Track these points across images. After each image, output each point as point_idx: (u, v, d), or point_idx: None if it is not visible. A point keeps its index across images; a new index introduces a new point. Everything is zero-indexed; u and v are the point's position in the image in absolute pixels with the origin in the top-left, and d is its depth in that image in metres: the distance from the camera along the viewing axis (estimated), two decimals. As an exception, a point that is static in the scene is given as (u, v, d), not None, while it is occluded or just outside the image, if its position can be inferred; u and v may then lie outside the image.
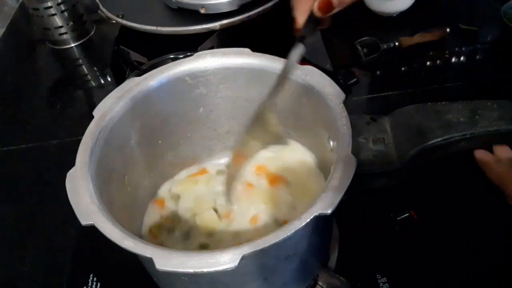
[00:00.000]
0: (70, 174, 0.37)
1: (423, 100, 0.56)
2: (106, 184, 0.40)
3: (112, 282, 0.49)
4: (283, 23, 0.81)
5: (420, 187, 0.54)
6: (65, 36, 0.85)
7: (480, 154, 0.49)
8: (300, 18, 0.41)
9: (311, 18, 0.40)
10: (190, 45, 0.71)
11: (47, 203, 0.59)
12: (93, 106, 0.42)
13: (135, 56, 0.73)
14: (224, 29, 0.71)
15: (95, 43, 0.88)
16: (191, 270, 0.30)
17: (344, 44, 0.78)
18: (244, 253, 0.30)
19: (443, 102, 0.53)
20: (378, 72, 0.73)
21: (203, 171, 0.53)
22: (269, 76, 0.45)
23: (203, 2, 0.71)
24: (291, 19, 0.42)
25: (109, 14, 0.77)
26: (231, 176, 0.48)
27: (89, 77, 0.83)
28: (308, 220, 0.32)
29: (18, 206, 0.61)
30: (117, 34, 0.85)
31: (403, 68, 0.73)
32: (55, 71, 0.86)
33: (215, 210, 0.47)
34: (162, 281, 0.42)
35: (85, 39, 0.88)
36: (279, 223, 0.45)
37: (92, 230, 0.33)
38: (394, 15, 0.80)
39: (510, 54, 0.72)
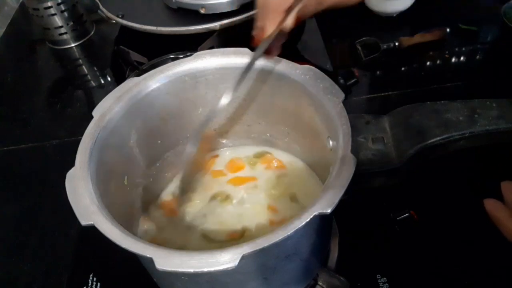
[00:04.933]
0: (70, 174, 0.37)
1: (423, 100, 0.56)
2: (105, 184, 0.40)
3: (112, 282, 0.49)
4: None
5: (420, 187, 0.54)
6: (65, 36, 0.86)
7: (491, 207, 0.41)
8: (270, 28, 0.43)
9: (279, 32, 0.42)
10: (190, 45, 0.71)
11: (47, 203, 0.59)
12: (93, 106, 0.42)
13: (135, 56, 0.73)
14: (224, 29, 0.71)
15: (95, 43, 0.88)
16: (191, 270, 0.30)
17: (344, 44, 0.78)
18: (244, 253, 0.30)
19: (442, 101, 0.54)
20: (378, 72, 0.73)
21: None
22: (268, 75, 0.45)
23: (203, 2, 0.71)
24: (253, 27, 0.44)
25: (109, 14, 0.77)
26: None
27: (89, 77, 0.83)
28: (308, 219, 0.32)
29: (18, 206, 0.61)
30: (117, 34, 0.85)
31: (403, 68, 0.73)
32: (55, 71, 0.86)
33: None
34: (162, 281, 0.42)
35: (85, 39, 0.88)
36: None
37: (92, 230, 0.33)
38: (394, 15, 0.80)
39: (510, 54, 0.72)
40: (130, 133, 0.45)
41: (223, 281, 0.37)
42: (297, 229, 0.31)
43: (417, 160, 0.50)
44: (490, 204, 0.41)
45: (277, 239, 0.31)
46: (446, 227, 0.50)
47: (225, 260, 0.30)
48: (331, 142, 0.41)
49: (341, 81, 0.68)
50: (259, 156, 0.54)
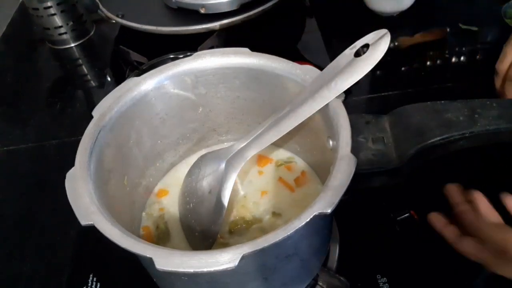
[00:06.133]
0: (70, 174, 0.37)
1: (423, 100, 0.55)
2: (105, 184, 0.40)
3: (112, 282, 0.49)
4: (282, 23, 0.81)
5: (420, 187, 0.54)
6: (65, 36, 0.85)
7: (436, 222, 0.41)
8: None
9: None
10: (190, 45, 0.71)
11: (47, 203, 0.59)
12: (92, 106, 0.42)
13: (134, 56, 0.73)
14: (224, 29, 0.71)
15: (95, 43, 0.88)
16: (191, 270, 0.30)
17: (344, 44, 0.78)
18: (244, 253, 0.30)
19: (442, 101, 0.53)
20: (378, 72, 0.73)
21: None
22: (269, 75, 0.45)
23: (203, 2, 0.71)
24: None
25: (109, 14, 0.77)
26: None
27: (89, 77, 0.83)
28: (308, 219, 0.32)
29: (18, 206, 0.61)
30: (117, 34, 0.85)
31: (403, 68, 0.73)
32: (55, 71, 0.86)
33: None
34: (162, 281, 0.42)
35: (85, 39, 0.88)
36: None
37: (92, 230, 0.33)
38: (394, 15, 0.80)
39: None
40: (130, 133, 0.45)
41: (223, 281, 0.37)
42: (297, 229, 0.31)
43: (417, 160, 0.50)
44: (435, 219, 0.42)
45: (277, 239, 0.31)
46: (446, 227, 0.50)
47: (225, 260, 0.30)
48: (331, 142, 0.41)
49: (341, 81, 0.68)
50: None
